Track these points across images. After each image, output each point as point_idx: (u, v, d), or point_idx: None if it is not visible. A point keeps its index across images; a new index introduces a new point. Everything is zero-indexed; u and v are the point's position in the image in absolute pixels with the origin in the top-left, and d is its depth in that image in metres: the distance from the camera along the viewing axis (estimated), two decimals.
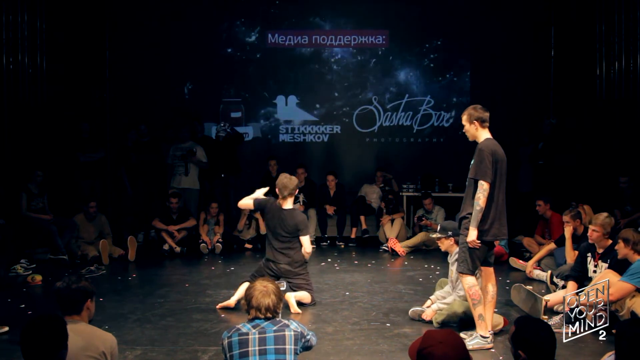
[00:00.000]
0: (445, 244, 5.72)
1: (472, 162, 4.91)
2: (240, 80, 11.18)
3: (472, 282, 4.89)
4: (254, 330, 3.30)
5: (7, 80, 8.57)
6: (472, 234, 4.79)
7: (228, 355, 3.29)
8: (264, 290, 3.38)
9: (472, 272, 4.89)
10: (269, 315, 3.35)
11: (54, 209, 8.63)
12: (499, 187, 4.85)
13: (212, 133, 10.76)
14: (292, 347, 3.26)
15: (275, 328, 3.30)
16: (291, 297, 5.98)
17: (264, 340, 3.26)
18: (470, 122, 4.97)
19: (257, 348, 3.24)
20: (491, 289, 5.02)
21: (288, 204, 6.19)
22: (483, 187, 4.75)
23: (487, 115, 5.00)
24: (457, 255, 5.43)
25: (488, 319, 5.01)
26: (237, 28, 11.13)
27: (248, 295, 3.39)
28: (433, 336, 2.75)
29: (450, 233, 5.63)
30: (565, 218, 6.89)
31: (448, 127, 11.12)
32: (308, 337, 3.44)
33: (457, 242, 5.54)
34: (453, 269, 5.59)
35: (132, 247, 8.53)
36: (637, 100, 8.62)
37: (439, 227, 5.83)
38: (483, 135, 4.98)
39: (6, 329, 5.34)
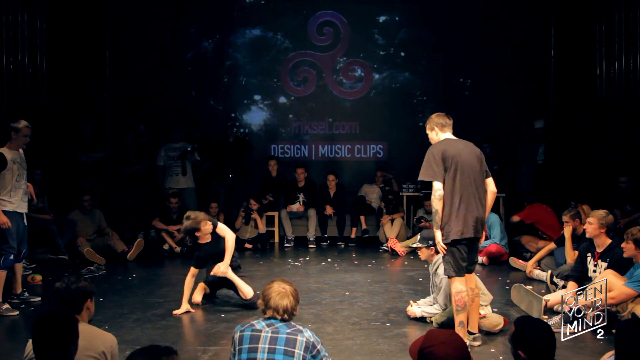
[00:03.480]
0: (425, 254, 5.70)
1: None
2: (241, 81, 11.16)
3: (459, 288, 4.83)
4: (267, 329, 3.32)
5: (7, 80, 8.57)
6: (437, 235, 4.85)
7: (237, 348, 3.31)
8: (283, 291, 3.40)
9: (459, 274, 4.83)
10: (286, 316, 3.37)
11: (53, 209, 8.64)
12: (456, 183, 4.76)
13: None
14: (302, 353, 3.25)
15: (289, 331, 3.31)
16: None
17: (275, 340, 3.27)
18: (431, 129, 5.01)
19: (267, 346, 3.25)
20: (470, 292, 4.93)
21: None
22: (434, 188, 4.77)
23: (448, 121, 4.99)
24: (438, 263, 5.49)
25: (474, 321, 4.98)
26: (238, 29, 11.13)
27: (266, 296, 3.40)
28: (435, 336, 2.74)
29: (430, 243, 5.61)
30: (565, 218, 6.89)
31: None
32: (322, 352, 3.38)
33: (437, 252, 5.56)
34: (436, 279, 5.60)
35: (137, 248, 8.53)
36: (637, 100, 8.62)
37: (418, 237, 5.81)
38: (442, 137, 4.97)
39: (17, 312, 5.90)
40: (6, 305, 5.93)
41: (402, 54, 11.16)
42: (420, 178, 4.86)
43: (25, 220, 6.18)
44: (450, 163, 4.75)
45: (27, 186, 6.25)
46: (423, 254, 5.72)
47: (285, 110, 11.22)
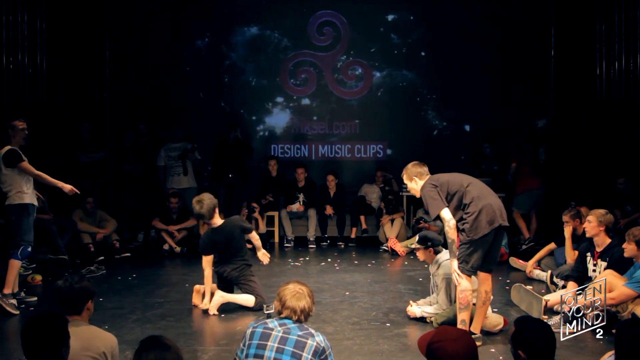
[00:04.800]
0: (424, 255, 5.72)
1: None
2: (242, 82, 11.15)
3: (465, 286, 4.85)
4: (279, 328, 3.33)
5: (7, 80, 8.57)
6: (454, 265, 4.88)
7: (247, 343, 3.32)
8: (300, 292, 3.42)
9: (471, 272, 4.85)
10: (302, 317, 3.38)
11: (53, 209, 8.64)
12: (466, 189, 4.86)
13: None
14: (310, 357, 3.24)
15: (300, 333, 3.31)
16: (221, 298, 6.01)
17: (285, 340, 3.27)
18: (411, 179, 5.14)
19: (275, 345, 3.26)
20: (483, 294, 4.96)
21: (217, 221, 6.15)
22: (445, 219, 4.81)
23: (425, 169, 5.15)
24: (439, 263, 5.53)
25: (478, 322, 4.99)
26: (238, 28, 11.12)
27: (282, 297, 3.42)
28: (447, 332, 2.74)
29: (429, 244, 5.65)
30: (565, 218, 6.88)
31: (448, 127, 11.12)
32: (330, 358, 3.37)
33: (436, 252, 5.64)
34: (437, 279, 5.60)
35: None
36: (637, 100, 8.62)
37: (417, 238, 5.83)
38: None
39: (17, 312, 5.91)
40: (12, 300, 5.93)
41: (402, 53, 11.14)
42: (433, 216, 4.92)
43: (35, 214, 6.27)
44: (447, 185, 4.90)
45: None
46: (422, 255, 5.72)
47: (286, 110, 11.22)
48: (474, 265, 4.83)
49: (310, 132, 11.22)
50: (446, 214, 4.80)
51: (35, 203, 6.24)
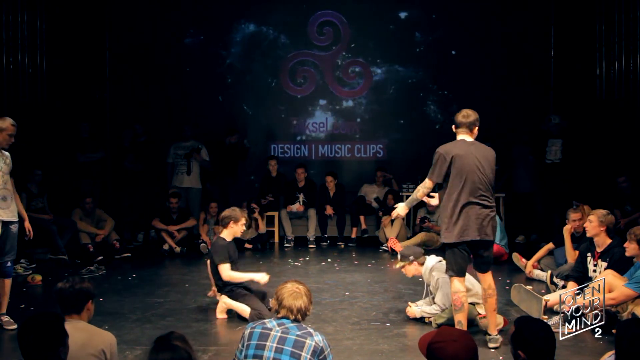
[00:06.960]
0: (411, 270, 5.74)
1: None
2: (242, 81, 11.15)
3: (457, 288, 4.86)
4: (277, 328, 3.33)
5: (7, 80, 8.57)
6: (399, 206, 5.13)
7: (246, 343, 3.32)
8: (297, 292, 3.42)
9: (457, 274, 4.86)
10: (299, 317, 3.39)
11: (53, 209, 8.64)
12: (460, 185, 4.80)
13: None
14: (308, 356, 3.25)
15: (299, 333, 3.31)
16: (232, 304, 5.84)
17: (283, 340, 3.27)
18: (454, 126, 5.13)
19: (274, 345, 3.26)
20: (486, 290, 4.97)
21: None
22: (423, 183, 4.91)
23: (462, 120, 5.04)
24: (429, 271, 5.58)
25: (492, 322, 4.97)
26: (238, 28, 11.13)
27: (280, 296, 3.43)
28: (448, 333, 2.75)
29: (411, 258, 5.69)
30: (574, 216, 6.85)
31: (448, 127, 11.11)
32: (329, 358, 3.38)
33: (421, 264, 5.68)
34: (432, 281, 5.62)
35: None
36: (637, 100, 8.61)
37: (399, 256, 5.86)
38: (457, 137, 5.07)
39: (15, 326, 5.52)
40: (7, 318, 5.61)
41: (402, 53, 11.13)
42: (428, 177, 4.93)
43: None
44: (453, 164, 4.82)
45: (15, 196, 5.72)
46: (409, 271, 5.76)
47: (286, 110, 11.22)
48: (458, 268, 4.85)
49: (310, 132, 11.22)
50: (427, 182, 4.89)
51: (5, 218, 5.40)
